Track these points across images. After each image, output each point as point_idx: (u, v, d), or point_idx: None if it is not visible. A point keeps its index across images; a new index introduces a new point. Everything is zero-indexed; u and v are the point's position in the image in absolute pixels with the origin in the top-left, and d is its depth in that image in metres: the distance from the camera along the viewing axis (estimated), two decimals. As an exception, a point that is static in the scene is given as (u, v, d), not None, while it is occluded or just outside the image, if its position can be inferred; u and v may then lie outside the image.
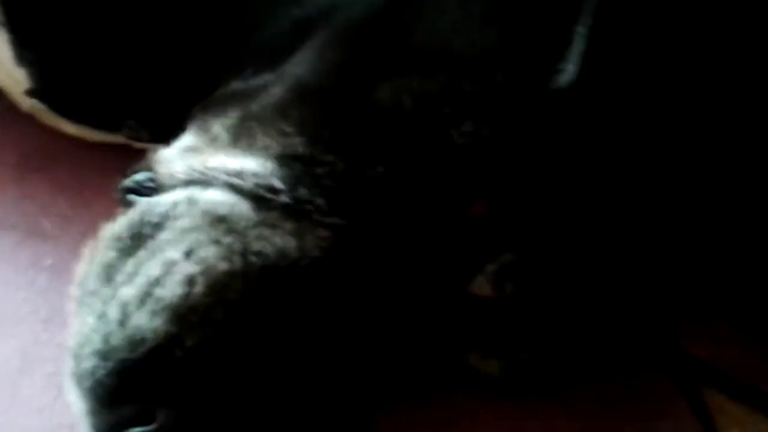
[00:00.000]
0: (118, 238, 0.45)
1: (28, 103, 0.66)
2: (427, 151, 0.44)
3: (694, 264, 0.56)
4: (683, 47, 0.46)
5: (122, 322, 0.41)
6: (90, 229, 0.47)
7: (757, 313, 0.62)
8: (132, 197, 0.50)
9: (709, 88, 0.47)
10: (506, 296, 0.47)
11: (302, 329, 0.43)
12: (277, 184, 0.45)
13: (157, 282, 0.42)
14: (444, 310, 0.47)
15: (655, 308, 0.58)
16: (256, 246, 0.43)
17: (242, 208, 0.45)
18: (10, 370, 0.52)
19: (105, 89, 0.61)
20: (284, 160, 0.45)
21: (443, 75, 0.44)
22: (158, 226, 0.45)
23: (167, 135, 0.52)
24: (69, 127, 0.67)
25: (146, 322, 0.41)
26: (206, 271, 0.42)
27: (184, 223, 0.44)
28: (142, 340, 0.40)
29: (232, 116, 0.49)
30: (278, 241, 0.43)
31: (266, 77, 0.50)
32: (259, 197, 0.45)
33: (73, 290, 0.46)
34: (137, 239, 0.45)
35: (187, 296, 0.41)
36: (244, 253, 0.43)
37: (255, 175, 0.45)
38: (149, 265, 0.43)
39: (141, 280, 0.42)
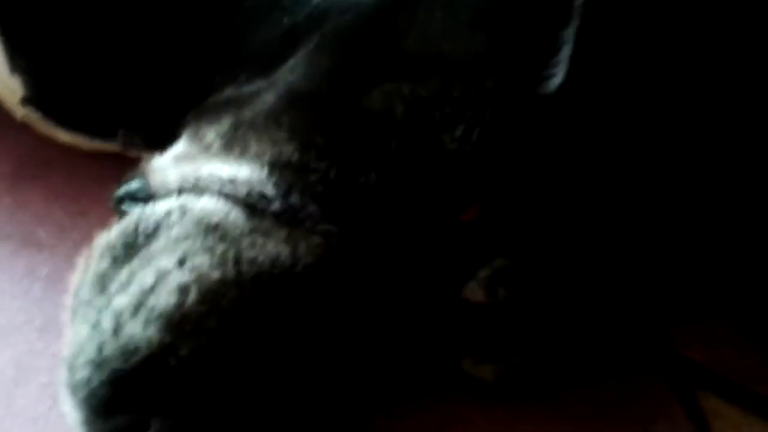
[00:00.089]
0: (112, 247, 0.45)
1: (22, 112, 0.66)
2: (419, 157, 0.44)
3: (688, 267, 0.56)
4: (670, 51, 0.46)
5: (116, 331, 0.41)
6: (85, 238, 0.47)
7: (751, 315, 0.62)
8: (125, 206, 0.50)
9: (699, 90, 0.47)
10: (499, 301, 0.47)
11: (296, 336, 0.43)
12: (270, 191, 0.45)
13: (150, 291, 0.42)
14: (437, 315, 0.47)
15: (649, 312, 0.58)
16: (250, 254, 0.43)
17: (235, 215, 0.45)
18: (5, 380, 0.52)
19: (98, 97, 0.61)
20: (277, 167, 0.45)
21: (434, 80, 0.44)
22: (151, 235, 0.45)
23: (161, 142, 0.52)
24: (63, 136, 0.67)
25: (140, 331, 0.41)
26: (199, 280, 0.42)
27: (177, 231, 0.44)
28: (136, 350, 0.40)
29: (224, 123, 0.49)
30: (271, 248, 0.43)
31: (259, 84, 0.50)
32: (251, 205, 0.45)
33: (68, 300, 0.46)
34: (131, 248, 0.45)
35: (180, 305, 0.41)
36: (238, 260, 0.43)
37: (248, 182, 0.45)
38: (143, 274, 0.43)
39: (134, 289, 0.42)
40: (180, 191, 0.47)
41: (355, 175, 0.44)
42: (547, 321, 0.49)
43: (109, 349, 0.41)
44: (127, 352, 0.40)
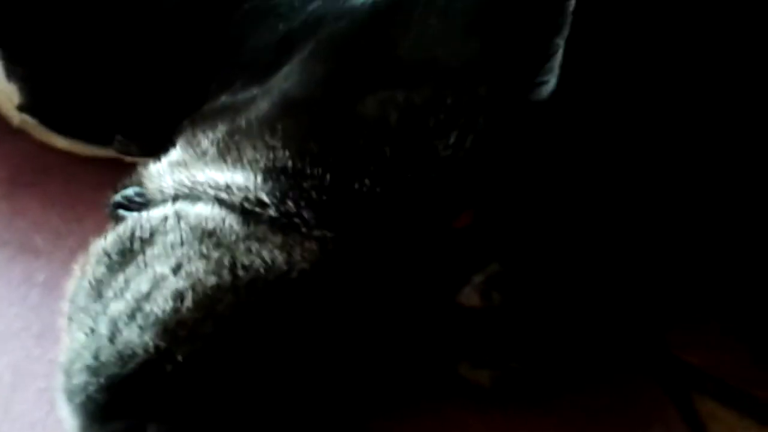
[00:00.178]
0: (108, 254, 0.45)
1: (19, 119, 0.67)
2: (413, 164, 0.44)
3: (683, 271, 0.56)
4: (662, 56, 0.46)
5: (112, 337, 0.41)
6: (82, 245, 0.47)
7: (747, 319, 0.62)
8: (121, 212, 0.50)
9: (692, 96, 0.47)
10: (494, 306, 0.47)
11: (292, 342, 0.43)
12: (265, 197, 0.45)
13: (146, 297, 0.42)
14: (432, 320, 0.47)
15: (645, 315, 0.58)
16: (245, 260, 0.43)
17: (230, 222, 0.45)
18: (3, 386, 0.52)
19: (95, 103, 0.61)
20: (272, 173, 0.45)
21: (427, 87, 0.45)
22: (147, 241, 0.45)
23: (156, 149, 0.52)
24: (60, 142, 0.67)
25: (136, 337, 0.41)
26: (195, 286, 0.42)
27: (172, 237, 0.44)
28: (132, 355, 0.40)
29: (220, 130, 0.49)
30: (266, 254, 0.43)
31: (254, 91, 0.51)
32: (247, 211, 0.45)
33: (65, 306, 0.46)
34: (126, 255, 0.45)
35: (176, 311, 0.41)
36: (233, 267, 0.43)
37: (243, 188, 0.45)
38: (138, 281, 0.43)
39: (130, 296, 0.42)
40: (175, 197, 0.47)
41: (350, 181, 0.44)
42: (542, 325, 0.49)
43: (106, 354, 0.41)
44: (124, 357, 0.40)
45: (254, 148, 0.47)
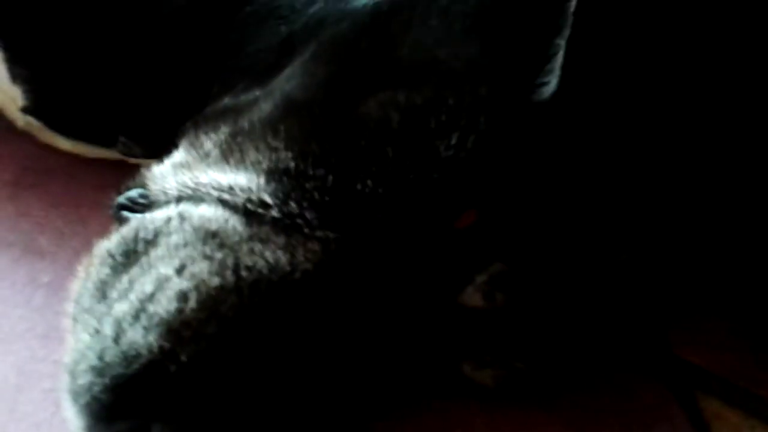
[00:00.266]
0: (112, 255, 0.46)
1: (23, 120, 0.67)
2: (415, 164, 0.44)
3: (686, 270, 0.56)
4: (663, 57, 0.46)
5: (117, 338, 0.41)
6: (86, 246, 0.48)
7: (750, 317, 0.62)
8: (125, 214, 0.50)
9: (693, 95, 0.48)
10: (497, 306, 0.47)
11: (295, 342, 0.43)
12: (268, 198, 0.45)
13: (150, 298, 0.42)
14: (435, 320, 0.47)
15: (647, 314, 0.58)
16: (248, 261, 0.43)
17: (233, 223, 0.45)
18: (8, 387, 0.52)
19: (98, 105, 0.62)
20: (274, 174, 0.46)
21: (429, 88, 0.45)
22: (151, 243, 0.45)
23: (160, 151, 0.53)
24: (64, 144, 0.67)
25: (140, 337, 0.41)
26: (199, 286, 0.42)
27: (176, 239, 0.45)
28: (137, 356, 0.40)
29: (222, 132, 0.49)
30: (270, 255, 0.44)
31: (256, 93, 0.51)
32: (250, 212, 0.45)
33: (69, 307, 0.46)
34: (130, 256, 0.45)
35: (180, 312, 0.41)
36: (236, 267, 0.43)
37: (245, 190, 0.46)
38: (142, 282, 0.43)
39: (134, 297, 0.42)
40: (179, 199, 0.48)
41: (352, 182, 0.44)
42: (545, 325, 0.49)
43: (110, 355, 0.41)
44: (128, 358, 0.41)
45: (257, 149, 0.47)
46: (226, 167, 0.47)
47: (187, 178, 0.48)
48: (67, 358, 0.43)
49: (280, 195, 0.45)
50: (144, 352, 0.41)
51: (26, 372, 0.54)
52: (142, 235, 0.46)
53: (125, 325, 0.42)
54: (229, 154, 0.48)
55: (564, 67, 0.44)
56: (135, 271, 0.44)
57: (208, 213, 0.46)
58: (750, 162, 0.51)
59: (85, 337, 0.43)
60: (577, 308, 0.50)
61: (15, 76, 0.63)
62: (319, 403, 0.44)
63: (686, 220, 0.52)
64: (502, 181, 0.45)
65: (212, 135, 0.49)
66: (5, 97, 0.65)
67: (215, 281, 0.42)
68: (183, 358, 0.40)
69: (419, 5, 0.48)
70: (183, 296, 0.42)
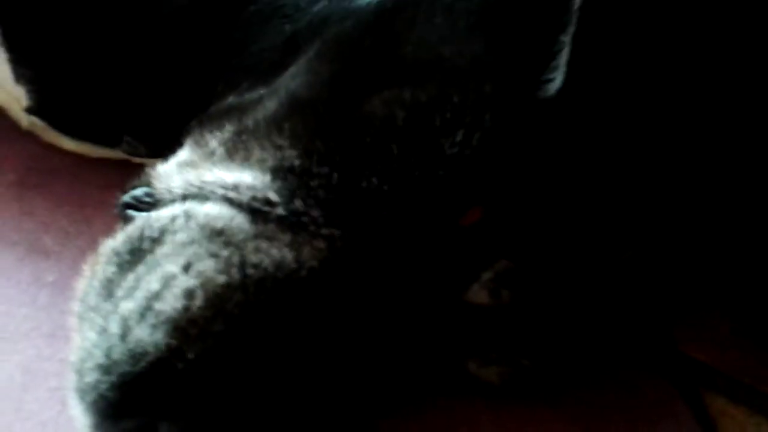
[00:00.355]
0: (118, 254, 0.46)
1: (27, 121, 0.67)
2: (420, 162, 0.44)
3: (691, 267, 0.56)
4: (668, 54, 0.46)
5: (123, 336, 0.41)
6: (91, 245, 0.48)
7: (755, 315, 0.62)
8: (131, 212, 0.50)
9: (698, 93, 0.47)
10: (503, 303, 0.47)
11: (301, 340, 0.43)
12: (273, 196, 0.45)
13: (156, 296, 0.42)
14: (441, 318, 0.47)
15: (652, 311, 0.58)
16: (254, 258, 0.43)
17: (239, 221, 0.45)
18: (14, 386, 0.53)
19: (102, 105, 0.62)
20: (279, 172, 0.46)
21: (433, 86, 0.45)
22: (157, 241, 0.45)
23: (165, 150, 0.53)
24: (68, 143, 0.67)
25: (147, 335, 0.41)
26: (205, 284, 0.42)
27: (182, 237, 0.45)
28: (143, 354, 0.41)
29: (227, 130, 0.49)
30: (275, 253, 0.44)
31: (261, 91, 0.51)
32: (255, 210, 0.45)
33: (75, 306, 0.46)
34: (136, 254, 0.45)
35: (186, 309, 0.41)
36: (242, 265, 0.43)
37: (251, 188, 0.46)
38: (148, 280, 0.43)
39: (141, 295, 0.43)
40: (184, 197, 0.48)
41: (357, 179, 0.44)
42: (551, 322, 0.49)
43: (117, 353, 0.41)
44: (135, 356, 0.41)
45: (262, 147, 0.47)
46: (232, 165, 0.47)
47: (193, 177, 0.48)
48: (74, 356, 0.43)
49: (286, 193, 0.45)
50: (151, 349, 0.41)
51: (32, 371, 0.54)
52: (147, 233, 0.46)
53: (132, 323, 0.42)
54: (234, 153, 0.48)
55: (569, 64, 0.44)
56: (141, 269, 0.44)
57: (214, 211, 0.46)
58: (756, 159, 0.51)
59: (92, 336, 0.43)
60: (583, 305, 0.50)
61: (19, 76, 0.63)
62: (325, 401, 0.44)
63: (691, 217, 0.52)
64: (507, 178, 0.45)
65: (217, 133, 0.50)
66: (9, 98, 0.66)
67: (221, 279, 0.42)
68: (190, 355, 0.40)
69: (423, 3, 0.48)
70: (189, 294, 0.42)
